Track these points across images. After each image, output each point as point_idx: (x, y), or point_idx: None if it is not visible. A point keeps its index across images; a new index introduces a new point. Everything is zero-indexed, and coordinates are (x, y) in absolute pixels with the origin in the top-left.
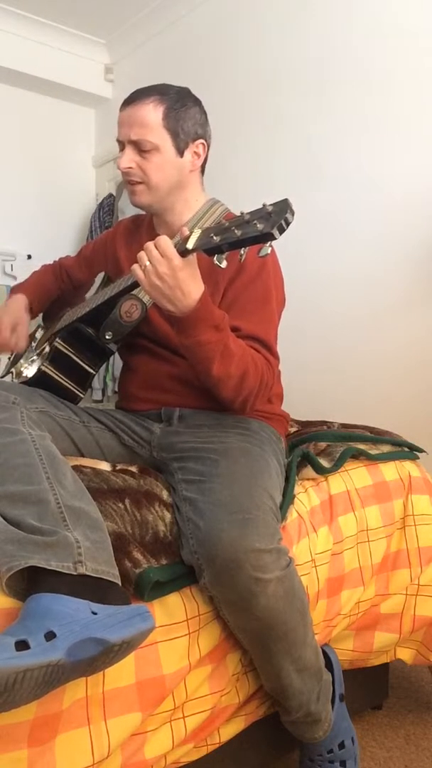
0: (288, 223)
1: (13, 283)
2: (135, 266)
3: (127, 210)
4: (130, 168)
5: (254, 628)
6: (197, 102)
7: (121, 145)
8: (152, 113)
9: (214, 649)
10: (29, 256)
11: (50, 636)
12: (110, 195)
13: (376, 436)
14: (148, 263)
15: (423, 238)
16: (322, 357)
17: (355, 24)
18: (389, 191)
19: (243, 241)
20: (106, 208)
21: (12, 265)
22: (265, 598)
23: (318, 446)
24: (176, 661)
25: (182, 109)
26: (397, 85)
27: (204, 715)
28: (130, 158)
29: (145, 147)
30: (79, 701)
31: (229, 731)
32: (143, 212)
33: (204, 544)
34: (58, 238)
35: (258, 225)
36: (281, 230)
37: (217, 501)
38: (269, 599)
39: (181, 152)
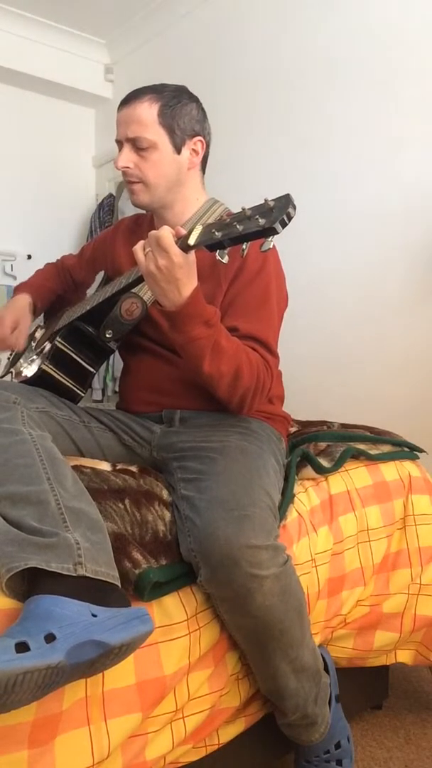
0: (290, 218)
1: (13, 283)
2: (137, 247)
3: (126, 210)
4: (127, 167)
5: (250, 626)
6: (194, 99)
7: (120, 145)
8: (147, 111)
9: (214, 649)
10: (29, 256)
11: (50, 638)
12: (110, 195)
13: (376, 436)
14: (149, 249)
15: (423, 238)
16: (322, 357)
17: (355, 23)
18: (390, 190)
19: (245, 236)
20: (106, 208)
21: (12, 265)
22: (261, 595)
23: (318, 446)
24: (176, 661)
25: (178, 105)
26: (398, 84)
27: (203, 714)
28: (127, 157)
29: (142, 145)
30: (79, 702)
31: (228, 733)
32: (144, 212)
33: (200, 540)
34: (58, 238)
35: (260, 220)
36: (283, 225)
37: (214, 498)
38: (265, 596)
39: (178, 150)
